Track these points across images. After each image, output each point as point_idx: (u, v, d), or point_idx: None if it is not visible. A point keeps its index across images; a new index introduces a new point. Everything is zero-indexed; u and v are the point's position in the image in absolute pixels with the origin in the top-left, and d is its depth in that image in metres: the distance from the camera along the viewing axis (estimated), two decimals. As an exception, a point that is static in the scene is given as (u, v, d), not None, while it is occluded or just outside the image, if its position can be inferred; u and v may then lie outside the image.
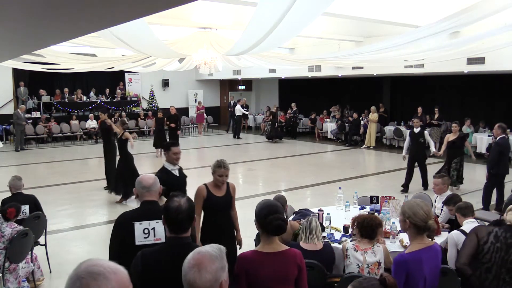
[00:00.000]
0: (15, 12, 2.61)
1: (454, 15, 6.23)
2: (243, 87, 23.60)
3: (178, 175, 4.67)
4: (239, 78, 21.43)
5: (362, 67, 13.86)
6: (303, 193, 9.47)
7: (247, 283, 2.57)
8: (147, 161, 12.84)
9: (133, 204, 7.88)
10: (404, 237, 4.21)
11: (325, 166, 13.11)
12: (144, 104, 21.11)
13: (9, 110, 17.58)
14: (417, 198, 2.98)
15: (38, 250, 5.38)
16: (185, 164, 12.25)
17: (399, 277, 2.67)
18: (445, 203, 4.97)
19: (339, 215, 5.11)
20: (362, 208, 5.44)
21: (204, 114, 20.62)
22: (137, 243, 2.81)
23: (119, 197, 8.50)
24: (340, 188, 5.78)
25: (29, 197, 5.42)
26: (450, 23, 6.49)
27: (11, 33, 3.56)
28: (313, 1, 5.47)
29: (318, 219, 4.52)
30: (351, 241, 4.00)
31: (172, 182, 4.46)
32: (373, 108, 15.68)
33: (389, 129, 15.97)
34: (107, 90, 19.69)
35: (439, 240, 4.32)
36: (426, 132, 9.06)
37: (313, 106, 19.88)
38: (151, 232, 2.86)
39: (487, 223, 4.42)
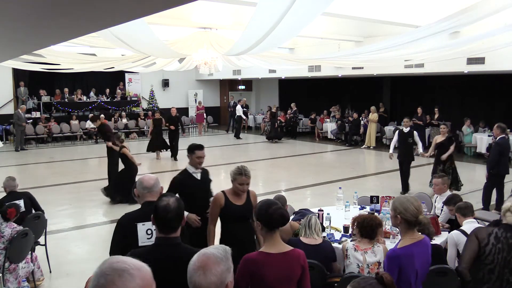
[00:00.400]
0: (15, 12, 2.61)
1: (454, 15, 6.23)
2: (243, 87, 23.60)
3: (199, 178, 4.46)
4: (239, 78, 21.43)
5: (362, 67, 13.86)
6: (303, 193, 9.47)
7: (252, 285, 2.57)
8: (147, 162, 12.83)
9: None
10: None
11: (325, 166, 13.11)
12: (144, 104, 21.11)
13: (9, 110, 17.58)
14: (409, 197, 2.95)
15: (38, 250, 5.39)
16: (185, 164, 12.33)
17: (392, 272, 2.70)
18: (446, 203, 4.98)
19: (339, 215, 5.11)
20: (362, 208, 5.44)
21: (204, 114, 20.62)
22: (140, 243, 2.81)
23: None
24: (340, 188, 5.78)
25: (23, 193, 5.52)
26: (450, 23, 6.49)
27: (11, 33, 3.56)
28: (313, 1, 5.47)
29: (318, 219, 4.51)
30: (351, 241, 4.00)
31: (192, 185, 4.34)
32: (373, 108, 15.69)
33: (389, 129, 15.96)
34: (107, 90, 19.70)
35: (439, 240, 4.33)
36: (415, 132, 8.80)
37: (313, 106, 19.88)
38: (154, 232, 2.85)
39: (487, 223, 4.42)
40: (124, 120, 18.81)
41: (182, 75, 20.61)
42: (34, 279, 4.87)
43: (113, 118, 18.50)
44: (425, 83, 16.63)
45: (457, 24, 6.68)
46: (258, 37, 7.11)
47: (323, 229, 4.45)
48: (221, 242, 3.73)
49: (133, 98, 20.56)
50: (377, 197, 5.56)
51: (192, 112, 21.84)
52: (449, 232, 4.37)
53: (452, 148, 8.29)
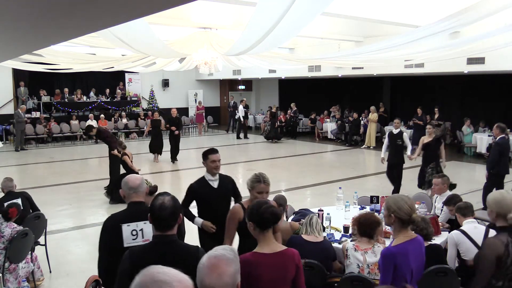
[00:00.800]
0: (15, 12, 2.61)
1: (454, 15, 6.23)
2: (243, 87, 23.60)
3: (215, 187, 4.19)
4: (239, 78, 21.43)
5: (362, 67, 13.86)
6: (303, 193, 9.47)
7: (248, 285, 2.56)
8: (146, 163, 12.83)
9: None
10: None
11: (325, 166, 13.11)
12: (144, 104, 21.11)
13: (9, 110, 17.58)
14: (403, 196, 2.94)
15: (38, 250, 5.38)
16: (185, 164, 12.35)
17: (387, 271, 2.72)
18: (446, 203, 4.98)
19: (339, 215, 5.11)
20: (362, 208, 5.44)
21: (203, 114, 20.62)
22: (125, 244, 2.82)
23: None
24: (340, 188, 5.78)
25: (20, 193, 5.54)
26: (450, 23, 6.49)
27: (11, 32, 3.56)
28: (313, 1, 5.47)
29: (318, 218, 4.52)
30: (351, 241, 4.00)
31: (208, 194, 4.10)
32: (373, 108, 15.69)
33: (389, 129, 15.95)
34: (107, 90, 19.70)
35: (439, 240, 4.33)
36: (405, 134, 8.62)
37: (313, 106, 19.88)
38: (139, 233, 2.87)
39: (487, 223, 4.42)
40: (124, 120, 18.81)
41: (182, 75, 20.61)
42: (34, 279, 4.87)
43: (113, 118, 18.51)
44: (425, 83, 16.63)
45: (457, 24, 6.68)
46: (258, 37, 7.11)
47: (323, 229, 4.46)
48: None
49: (133, 98, 20.56)
50: (377, 197, 5.56)
51: (192, 112, 21.84)
52: (449, 232, 4.37)
53: (442, 150, 8.08)
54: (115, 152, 8.91)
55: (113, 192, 8.47)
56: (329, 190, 9.15)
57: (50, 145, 16.90)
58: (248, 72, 18.24)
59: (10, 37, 3.85)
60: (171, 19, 9.39)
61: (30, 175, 11.71)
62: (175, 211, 2.42)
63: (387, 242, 4.19)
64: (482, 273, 2.94)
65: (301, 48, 15.70)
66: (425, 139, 8.25)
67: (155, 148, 12.83)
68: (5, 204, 5.02)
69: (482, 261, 2.97)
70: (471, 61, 11.43)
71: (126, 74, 20.08)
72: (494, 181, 7.41)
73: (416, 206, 5.01)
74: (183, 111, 21.09)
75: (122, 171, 8.81)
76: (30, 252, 4.87)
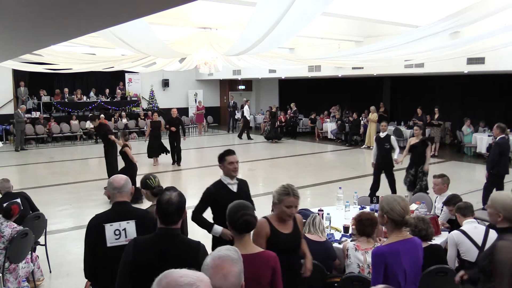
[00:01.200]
0: (15, 12, 2.61)
1: (454, 15, 6.23)
2: (243, 87, 23.61)
3: (235, 191, 3.91)
4: (239, 78, 21.44)
5: (362, 67, 13.86)
6: (303, 193, 9.46)
7: None
8: (146, 163, 12.82)
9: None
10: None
11: (325, 166, 13.11)
12: (144, 104, 21.12)
13: (9, 110, 17.58)
14: (397, 196, 2.92)
15: (38, 250, 5.38)
16: (185, 164, 12.34)
17: (378, 270, 2.73)
18: (446, 203, 4.98)
19: (339, 215, 5.11)
20: (362, 208, 5.44)
21: (203, 114, 20.63)
22: (108, 244, 2.85)
23: None
24: (340, 188, 5.78)
25: (18, 193, 5.54)
26: (450, 23, 6.49)
27: (11, 32, 3.56)
28: (313, 1, 5.47)
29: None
30: (351, 241, 4.01)
31: (227, 198, 3.64)
32: (373, 108, 15.69)
33: (389, 129, 15.96)
34: (107, 90, 19.70)
35: (439, 240, 4.33)
36: (393, 137, 8.34)
37: (313, 106, 19.89)
38: (122, 233, 2.89)
39: (487, 223, 4.42)
40: (124, 120, 18.81)
41: (182, 75, 20.61)
42: (34, 279, 4.88)
43: (113, 118, 18.51)
44: (425, 83, 16.63)
45: (457, 24, 6.68)
46: (258, 37, 7.11)
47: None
48: None
49: (133, 98, 20.56)
50: (377, 197, 5.57)
51: (192, 112, 21.85)
52: (449, 232, 4.37)
53: (428, 152, 7.77)
54: (113, 137, 9.01)
55: None
56: (329, 190, 9.15)
57: (50, 145, 16.90)
58: (248, 72, 18.24)
59: (10, 37, 3.85)
60: (171, 19, 9.39)
61: (30, 175, 11.71)
62: (181, 206, 2.48)
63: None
64: (503, 278, 2.80)
65: (301, 48, 15.70)
66: (412, 140, 8.02)
67: (155, 151, 12.17)
68: (5, 204, 5.03)
69: (501, 267, 2.81)
70: (471, 61, 11.44)
71: (126, 74, 20.08)
72: (494, 181, 7.41)
73: (416, 206, 5.03)
74: (183, 111, 21.10)
75: (118, 168, 8.83)
76: (30, 252, 4.87)
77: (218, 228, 3.82)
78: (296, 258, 3.23)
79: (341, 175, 11.00)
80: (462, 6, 6.16)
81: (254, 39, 7.31)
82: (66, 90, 18.62)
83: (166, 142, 12.70)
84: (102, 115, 17.75)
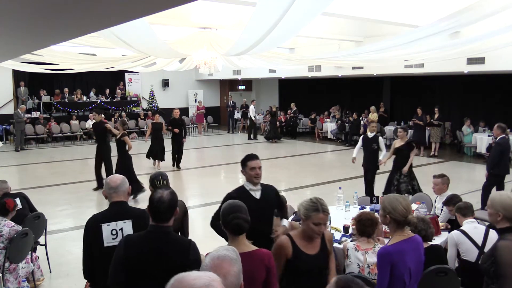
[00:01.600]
0: (15, 12, 2.61)
1: (454, 15, 6.23)
2: (243, 87, 23.61)
3: (258, 197, 3.65)
4: (239, 78, 21.44)
5: (362, 67, 13.87)
6: (303, 193, 9.46)
7: None
8: (146, 163, 12.82)
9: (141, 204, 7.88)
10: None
11: (325, 166, 13.11)
12: (144, 104, 21.12)
13: (9, 110, 17.59)
14: (398, 196, 2.92)
15: (38, 250, 5.38)
16: (185, 164, 12.33)
17: (384, 270, 2.73)
18: (445, 203, 4.98)
19: (339, 215, 5.11)
20: (362, 208, 5.44)
21: (203, 114, 20.63)
22: (105, 244, 2.86)
23: None
24: (340, 188, 5.78)
25: (17, 193, 5.54)
26: (450, 23, 6.49)
27: (11, 32, 3.56)
28: (313, 1, 5.47)
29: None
30: (351, 241, 4.01)
31: (249, 205, 3.28)
32: (373, 108, 15.69)
33: (389, 129, 15.97)
34: (107, 90, 19.70)
35: (439, 240, 4.33)
36: (381, 138, 8.04)
37: (313, 106, 19.89)
38: (119, 232, 2.90)
39: (487, 223, 4.42)
40: (126, 120, 18.79)
41: (182, 75, 20.62)
42: (34, 279, 4.88)
43: (113, 118, 18.51)
44: (425, 83, 16.63)
45: (457, 24, 6.68)
46: (258, 37, 7.11)
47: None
48: None
49: (133, 98, 20.56)
50: (377, 197, 5.57)
51: (192, 112, 21.85)
52: (449, 232, 4.37)
53: (412, 155, 7.45)
54: (108, 125, 9.05)
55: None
56: (329, 190, 9.14)
57: (50, 145, 16.91)
58: (248, 72, 18.24)
59: (10, 37, 3.85)
60: (171, 19, 9.39)
61: (30, 175, 11.72)
62: (173, 205, 2.49)
63: (387, 242, 4.20)
64: (507, 279, 2.76)
65: (301, 48, 15.70)
66: (397, 143, 7.61)
67: (157, 154, 11.66)
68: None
69: (503, 267, 2.78)
70: (471, 61, 11.43)
71: (126, 74, 20.08)
72: (494, 181, 7.41)
73: (416, 206, 5.03)
74: (183, 111, 21.07)
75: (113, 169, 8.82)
76: (30, 252, 4.87)
77: None
78: (322, 284, 2.73)
79: (341, 175, 11.00)
80: (462, 6, 6.17)
81: (254, 39, 7.31)
82: (66, 90, 18.62)
83: (167, 143, 12.16)
84: (102, 115, 17.90)
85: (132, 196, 8.39)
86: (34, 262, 4.96)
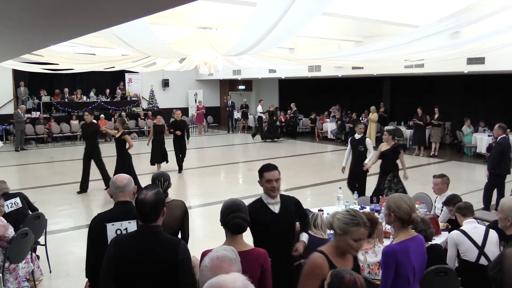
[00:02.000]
0: (15, 12, 2.61)
1: (454, 15, 6.23)
2: (243, 87, 23.61)
3: (277, 212, 3.35)
4: (239, 78, 21.44)
5: (362, 67, 13.87)
6: (303, 193, 9.46)
7: None
8: (147, 162, 12.82)
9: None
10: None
11: (325, 166, 13.10)
12: (144, 104, 21.12)
13: (9, 110, 17.59)
14: (403, 195, 2.91)
15: (38, 250, 5.38)
16: (185, 164, 12.30)
17: (389, 268, 2.73)
18: (445, 203, 4.98)
19: (339, 215, 5.10)
20: (362, 208, 5.44)
21: (203, 114, 20.64)
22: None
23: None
24: (340, 188, 5.78)
25: (17, 193, 5.53)
26: (450, 23, 6.49)
27: (11, 32, 3.56)
28: (313, 1, 5.47)
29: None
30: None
31: (267, 220, 3.26)
32: (373, 108, 15.69)
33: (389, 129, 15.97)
34: (107, 90, 19.70)
35: (439, 240, 4.33)
36: (368, 140, 7.76)
37: (313, 106, 19.89)
38: (123, 232, 2.90)
39: (487, 223, 4.42)
40: (126, 120, 18.79)
41: (182, 75, 20.61)
42: (34, 279, 4.87)
43: (113, 118, 18.52)
44: (425, 83, 16.63)
45: (457, 24, 6.69)
46: (258, 37, 7.11)
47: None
48: None
49: (133, 98, 20.56)
50: (377, 197, 5.57)
51: (192, 112, 21.86)
52: (449, 232, 4.37)
53: (402, 159, 7.10)
54: (104, 129, 8.96)
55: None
56: (329, 190, 9.14)
57: (50, 145, 16.90)
58: (248, 72, 18.24)
59: (10, 37, 3.85)
60: (171, 19, 9.39)
61: (30, 175, 11.71)
62: (156, 206, 2.48)
63: (387, 242, 4.19)
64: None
65: (301, 48, 15.70)
66: (383, 147, 7.26)
67: (159, 157, 11.19)
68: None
69: (508, 274, 2.74)
70: (471, 61, 11.43)
71: (126, 74, 20.08)
72: (495, 181, 7.42)
73: (416, 206, 5.03)
74: (183, 111, 21.06)
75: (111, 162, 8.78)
76: (30, 252, 4.87)
77: None
78: None
79: (341, 175, 10.95)
80: (462, 6, 6.17)
81: (254, 39, 7.31)
82: (66, 90, 18.62)
83: (169, 145, 11.58)
84: (102, 115, 17.93)
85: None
86: (33, 262, 4.96)
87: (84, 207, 8.45)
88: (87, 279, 3.09)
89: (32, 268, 4.85)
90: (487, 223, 4.59)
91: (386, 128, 7.55)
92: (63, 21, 2.97)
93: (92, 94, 19.41)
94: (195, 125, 21.05)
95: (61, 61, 10.72)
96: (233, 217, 2.62)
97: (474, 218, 4.24)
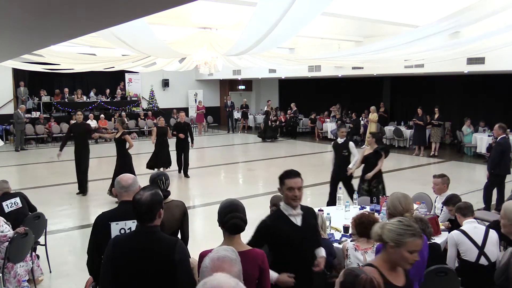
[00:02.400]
0: (15, 12, 2.61)
1: (454, 15, 6.23)
2: (243, 87, 23.62)
3: (299, 224, 3.04)
4: (239, 78, 21.45)
5: (362, 67, 13.86)
6: (303, 193, 9.45)
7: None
8: (145, 162, 12.81)
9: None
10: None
11: (325, 166, 13.07)
12: (144, 104, 21.13)
13: (9, 110, 17.59)
14: (401, 195, 2.91)
15: (38, 250, 5.38)
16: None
17: None
18: (445, 203, 4.98)
19: (339, 215, 5.11)
20: (362, 208, 5.44)
21: (203, 114, 20.64)
22: None
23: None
24: (340, 188, 5.78)
25: (17, 192, 5.54)
26: (450, 23, 6.49)
27: (11, 32, 3.56)
28: (313, 1, 5.47)
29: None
30: (351, 241, 4.01)
31: (288, 234, 2.95)
32: (373, 108, 15.68)
33: (389, 129, 15.98)
34: (107, 90, 19.71)
35: (439, 240, 4.33)
36: (351, 143, 7.48)
37: (313, 106, 19.89)
38: (127, 232, 2.91)
39: (487, 223, 4.42)
40: (125, 120, 18.79)
41: (182, 75, 20.62)
42: (33, 278, 4.87)
43: (113, 118, 18.53)
44: (425, 83, 16.63)
45: (457, 24, 6.69)
46: (258, 37, 7.11)
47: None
48: None
49: (133, 98, 20.57)
50: (377, 197, 5.57)
51: (192, 112, 21.87)
52: (449, 232, 4.37)
53: (380, 164, 6.84)
54: (96, 135, 8.89)
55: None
56: (329, 190, 9.13)
57: (50, 145, 16.89)
58: (248, 72, 18.24)
59: (10, 37, 3.85)
60: (171, 19, 9.40)
61: (30, 175, 11.71)
62: (152, 207, 2.48)
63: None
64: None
65: (301, 48, 15.70)
66: (366, 150, 7.05)
67: (163, 162, 10.64)
68: (3, 203, 5.04)
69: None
70: (471, 61, 11.43)
71: (126, 74, 20.09)
72: (495, 181, 7.42)
73: (416, 206, 5.03)
74: (183, 111, 21.08)
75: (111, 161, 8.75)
76: (30, 252, 4.87)
77: (273, 275, 2.85)
78: None
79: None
80: (462, 6, 6.17)
81: (254, 39, 7.31)
82: (66, 90, 18.63)
83: (171, 146, 11.35)
84: (102, 115, 17.94)
85: None
86: (33, 260, 4.95)
87: (84, 207, 8.46)
88: (87, 278, 3.09)
89: (31, 266, 4.84)
90: (487, 223, 4.59)
91: (370, 131, 7.21)
92: (63, 21, 2.97)
93: (92, 94, 19.42)
94: (195, 125, 21.05)
95: (61, 61, 10.72)
96: (231, 217, 2.61)
97: (474, 218, 4.24)
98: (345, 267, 3.80)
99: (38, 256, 5.22)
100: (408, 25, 9.37)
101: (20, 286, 4.31)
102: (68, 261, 5.80)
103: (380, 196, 5.84)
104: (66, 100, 18.34)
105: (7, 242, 4.46)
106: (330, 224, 4.72)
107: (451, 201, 4.78)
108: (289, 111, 19.14)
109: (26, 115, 16.27)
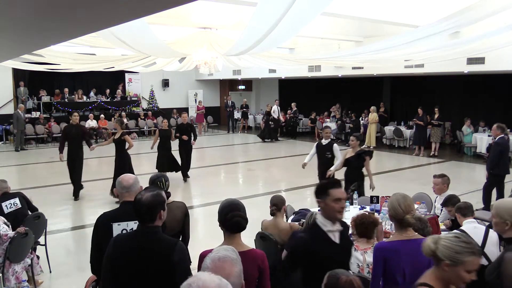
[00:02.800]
0: (15, 12, 2.61)
1: (454, 15, 6.23)
2: (243, 87, 23.62)
3: (338, 242, 2.73)
4: (239, 78, 21.45)
5: (362, 67, 13.87)
6: (303, 193, 9.46)
7: None
8: (147, 162, 12.82)
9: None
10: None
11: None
12: (144, 104, 21.13)
13: (9, 110, 17.59)
14: (401, 197, 2.89)
15: (38, 250, 5.38)
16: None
17: (377, 264, 2.79)
18: (444, 204, 4.97)
19: (339, 215, 5.10)
20: (362, 208, 5.44)
21: (203, 114, 20.65)
22: None
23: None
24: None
25: (16, 193, 5.53)
26: (450, 23, 6.49)
27: (11, 33, 3.56)
28: (313, 1, 5.47)
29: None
30: (351, 241, 4.01)
31: (326, 253, 2.64)
32: (373, 108, 15.69)
33: (389, 129, 15.98)
34: (107, 90, 19.71)
35: (439, 240, 4.32)
36: (335, 145, 7.25)
37: (313, 106, 19.90)
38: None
39: (487, 223, 4.42)
40: (124, 120, 18.77)
41: (182, 75, 20.62)
42: (33, 275, 4.86)
43: (113, 118, 18.53)
44: (425, 83, 16.63)
45: (457, 24, 6.69)
46: (258, 37, 7.11)
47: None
48: None
49: (133, 98, 20.57)
50: (377, 197, 5.56)
51: (192, 112, 21.86)
52: (450, 230, 4.37)
53: (368, 167, 6.61)
54: (94, 147, 9.02)
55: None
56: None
57: (50, 145, 16.89)
58: (248, 72, 18.25)
59: (11, 36, 3.85)
60: (171, 19, 9.40)
61: (30, 175, 11.71)
62: (153, 207, 2.48)
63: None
64: None
65: (301, 48, 15.70)
66: (348, 153, 6.78)
67: (167, 166, 10.15)
68: (3, 204, 5.04)
69: (509, 281, 2.59)
70: (471, 61, 11.43)
71: (126, 74, 20.10)
72: (494, 181, 7.42)
73: (416, 206, 5.03)
74: (183, 111, 21.08)
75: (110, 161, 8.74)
76: (30, 252, 4.87)
77: None
78: None
79: (341, 175, 10.97)
80: (462, 6, 6.17)
81: (254, 39, 7.31)
82: (66, 90, 18.63)
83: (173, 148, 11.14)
84: (102, 115, 17.94)
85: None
86: (32, 259, 4.93)
87: (84, 207, 8.46)
88: (88, 277, 3.10)
89: (29, 263, 4.83)
90: (487, 223, 4.58)
91: (354, 133, 7.01)
92: (63, 21, 2.97)
93: (92, 94, 19.42)
94: (195, 125, 21.04)
95: (61, 61, 10.72)
96: (232, 215, 2.61)
97: (474, 218, 4.24)
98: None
99: (38, 257, 5.21)
100: (408, 25, 9.37)
101: (20, 286, 4.32)
102: (68, 261, 5.81)
103: (381, 196, 5.83)
104: (66, 100, 18.34)
105: (7, 242, 4.46)
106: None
107: (450, 201, 4.78)
108: (289, 111, 19.14)
109: (26, 115, 16.27)
